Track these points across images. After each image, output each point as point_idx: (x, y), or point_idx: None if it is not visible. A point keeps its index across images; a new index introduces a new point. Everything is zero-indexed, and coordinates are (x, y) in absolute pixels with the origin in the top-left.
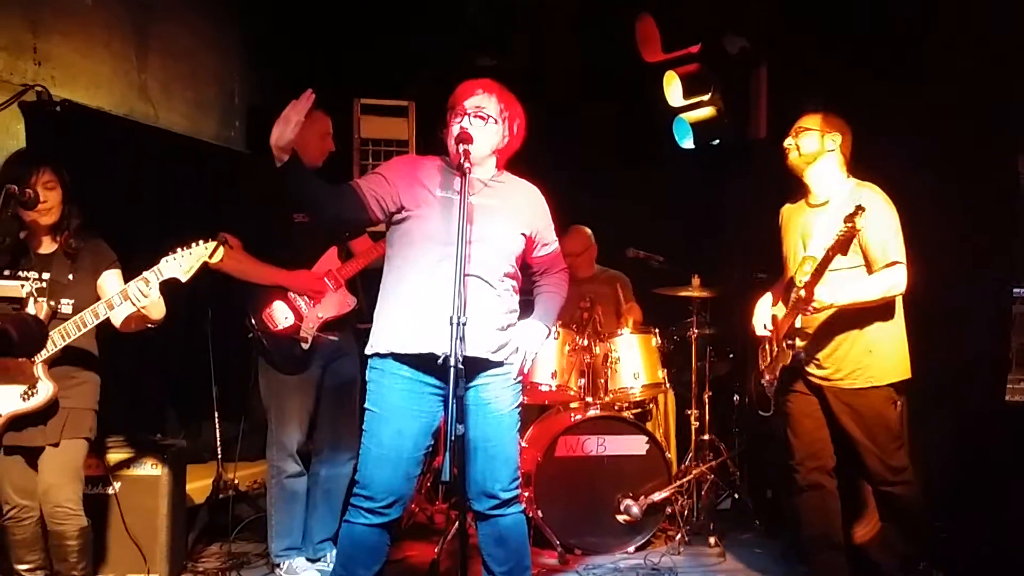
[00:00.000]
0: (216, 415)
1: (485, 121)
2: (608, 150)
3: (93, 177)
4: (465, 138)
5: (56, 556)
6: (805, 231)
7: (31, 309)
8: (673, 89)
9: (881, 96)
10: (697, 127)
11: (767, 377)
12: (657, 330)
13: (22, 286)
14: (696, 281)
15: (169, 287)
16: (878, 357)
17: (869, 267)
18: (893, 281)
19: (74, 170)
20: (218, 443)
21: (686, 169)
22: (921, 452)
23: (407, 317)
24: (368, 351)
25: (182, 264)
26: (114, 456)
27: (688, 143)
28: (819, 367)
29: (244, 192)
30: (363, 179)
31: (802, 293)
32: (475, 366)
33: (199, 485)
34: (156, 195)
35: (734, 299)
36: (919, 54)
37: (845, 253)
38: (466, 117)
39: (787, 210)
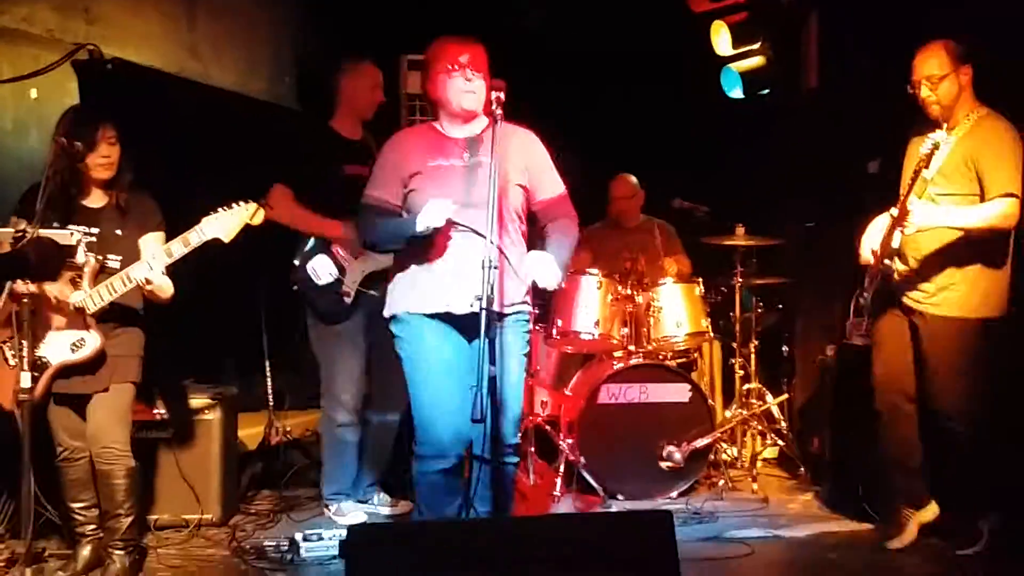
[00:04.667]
0: (268, 364)
1: (482, 74)
2: (654, 101)
3: (144, 134)
4: (498, 87)
5: (104, 496)
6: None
7: (80, 258)
8: (721, 38)
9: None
10: (746, 77)
11: (866, 297)
12: (701, 279)
13: (71, 234)
14: (740, 230)
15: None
16: (975, 289)
17: (983, 197)
18: (1001, 212)
19: (125, 127)
20: (270, 392)
21: (734, 118)
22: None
23: (422, 280)
24: (387, 313)
25: (224, 224)
26: (168, 402)
27: (736, 93)
28: (915, 290)
29: (296, 145)
30: (376, 191)
31: (896, 211)
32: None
33: (253, 432)
34: (206, 152)
35: (783, 249)
36: None
37: (927, 166)
38: (467, 70)
39: (914, 140)
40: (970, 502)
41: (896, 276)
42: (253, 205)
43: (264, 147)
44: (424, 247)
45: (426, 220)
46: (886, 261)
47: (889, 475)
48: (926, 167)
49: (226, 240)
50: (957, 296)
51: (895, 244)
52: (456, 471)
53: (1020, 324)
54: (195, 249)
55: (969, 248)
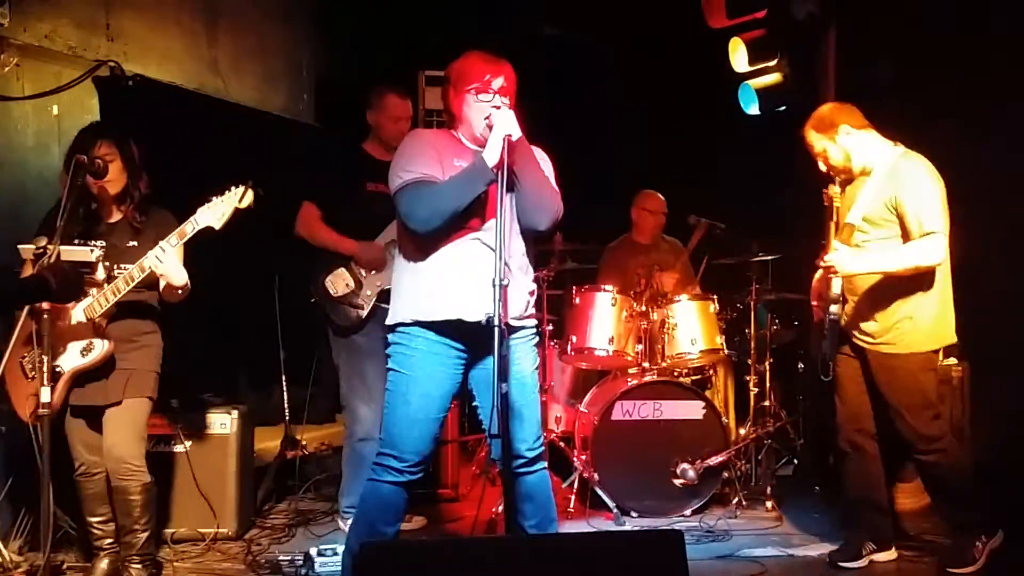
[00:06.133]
0: (284, 379)
1: (510, 100)
2: (671, 117)
3: (164, 150)
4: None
5: (120, 511)
6: (852, 199)
7: (100, 274)
8: (738, 55)
9: (952, 58)
10: (763, 93)
11: (824, 343)
12: (716, 296)
13: (91, 251)
14: (755, 247)
15: (235, 248)
16: (918, 324)
17: (906, 237)
18: (925, 251)
19: (145, 143)
20: (286, 405)
21: (749, 136)
22: (987, 421)
23: (433, 286)
24: (390, 321)
25: (215, 211)
26: (185, 416)
27: (753, 110)
28: (862, 332)
29: (326, 163)
30: (419, 168)
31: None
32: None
33: (269, 445)
34: (226, 167)
35: (799, 266)
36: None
37: (831, 218)
38: (497, 96)
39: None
40: (967, 524)
41: (843, 320)
42: (241, 188)
43: (285, 162)
44: (434, 257)
45: (501, 131)
46: (832, 308)
47: (857, 511)
48: (833, 219)
49: (217, 227)
50: (905, 332)
51: (836, 290)
52: (408, 490)
53: None
54: (215, 260)
55: (908, 284)
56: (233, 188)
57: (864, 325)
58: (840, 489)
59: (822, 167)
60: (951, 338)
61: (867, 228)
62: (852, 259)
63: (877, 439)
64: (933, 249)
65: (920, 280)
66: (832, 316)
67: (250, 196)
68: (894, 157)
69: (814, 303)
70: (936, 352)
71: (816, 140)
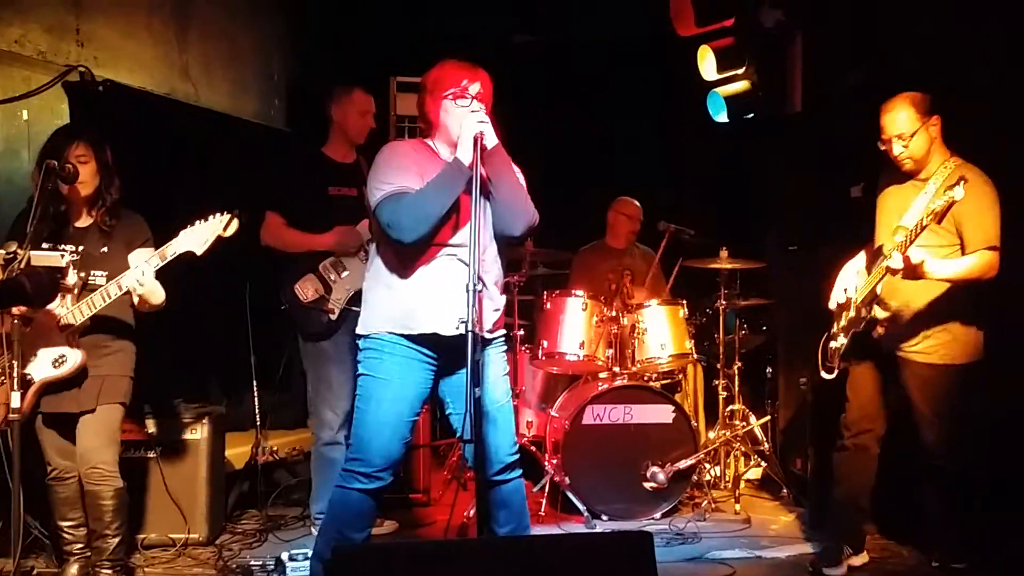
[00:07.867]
0: (255, 384)
1: (486, 107)
2: (640, 124)
3: (135, 156)
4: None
5: (92, 515)
6: (904, 205)
7: (71, 279)
8: (707, 63)
9: (921, 65)
10: (731, 101)
11: (839, 340)
12: (685, 301)
13: (61, 256)
14: (724, 253)
15: (206, 254)
16: (957, 336)
17: (964, 248)
18: (988, 265)
19: (116, 149)
20: (256, 411)
21: (719, 142)
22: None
23: (409, 303)
24: (362, 331)
25: (198, 236)
26: (156, 421)
27: (722, 117)
28: (898, 339)
29: (286, 171)
30: (398, 180)
31: (887, 259)
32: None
33: (240, 451)
34: (197, 173)
35: (767, 272)
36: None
37: (939, 222)
38: (474, 101)
39: (887, 187)
40: (963, 528)
41: (876, 322)
42: (227, 216)
43: (255, 169)
44: (410, 274)
45: (471, 130)
46: (871, 308)
47: (840, 513)
48: (937, 222)
49: (198, 253)
50: (941, 343)
51: (879, 291)
52: (375, 498)
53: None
54: (186, 267)
55: (948, 296)
56: (217, 215)
57: (900, 332)
58: (809, 490)
59: (897, 148)
60: (979, 354)
61: (924, 236)
62: (933, 263)
63: (880, 444)
64: (994, 264)
65: (963, 293)
66: (866, 317)
67: (235, 225)
68: (952, 167)
69: (841, 301)
70: (966, 367)
71: (911, 119)
